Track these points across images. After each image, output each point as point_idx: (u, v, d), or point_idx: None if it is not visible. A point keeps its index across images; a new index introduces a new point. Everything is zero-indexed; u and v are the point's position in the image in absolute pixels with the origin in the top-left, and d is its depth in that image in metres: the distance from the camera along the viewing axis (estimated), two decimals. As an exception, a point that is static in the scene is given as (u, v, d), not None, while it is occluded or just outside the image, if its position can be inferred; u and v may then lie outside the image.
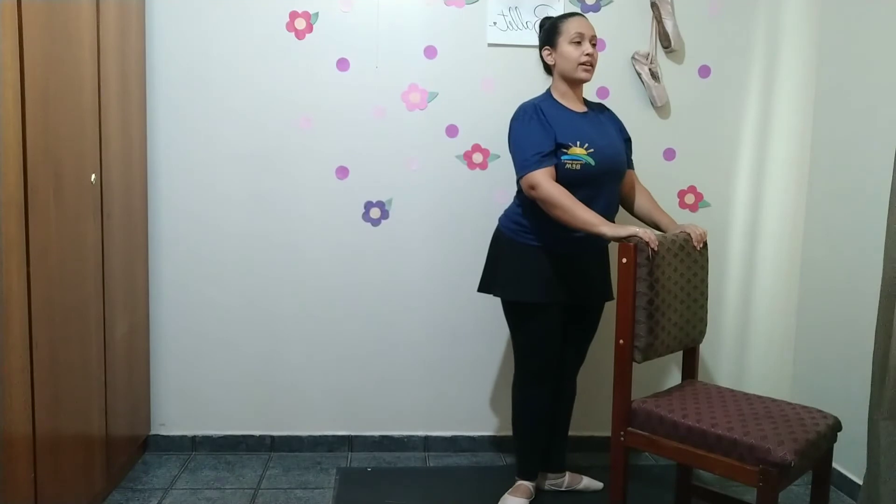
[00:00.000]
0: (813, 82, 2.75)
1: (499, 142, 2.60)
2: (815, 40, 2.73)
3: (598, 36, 2.28)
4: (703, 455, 1.87)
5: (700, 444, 1.88)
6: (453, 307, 2.79)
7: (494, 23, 2.67)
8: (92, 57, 2.14)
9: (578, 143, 2.17)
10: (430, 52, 2.68)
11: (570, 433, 2.51)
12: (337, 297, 2.77)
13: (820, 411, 2.01)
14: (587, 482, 2.53)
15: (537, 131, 2.16)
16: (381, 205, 2.74)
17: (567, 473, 2.52)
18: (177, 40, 2.62)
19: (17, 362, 1.76)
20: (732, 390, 2.17)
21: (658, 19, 2.69)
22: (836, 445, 2.01)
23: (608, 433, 2.13)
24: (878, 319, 2.09)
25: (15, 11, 1.70)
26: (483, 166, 2.73)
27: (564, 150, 2.16)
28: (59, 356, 1.97)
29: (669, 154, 2.78)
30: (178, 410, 2.78)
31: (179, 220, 2.69)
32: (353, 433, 2.84)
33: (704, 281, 2.23)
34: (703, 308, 2.24)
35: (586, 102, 2.34)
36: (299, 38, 2.65)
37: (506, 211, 2.36)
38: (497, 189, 2.68)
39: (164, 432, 2.79)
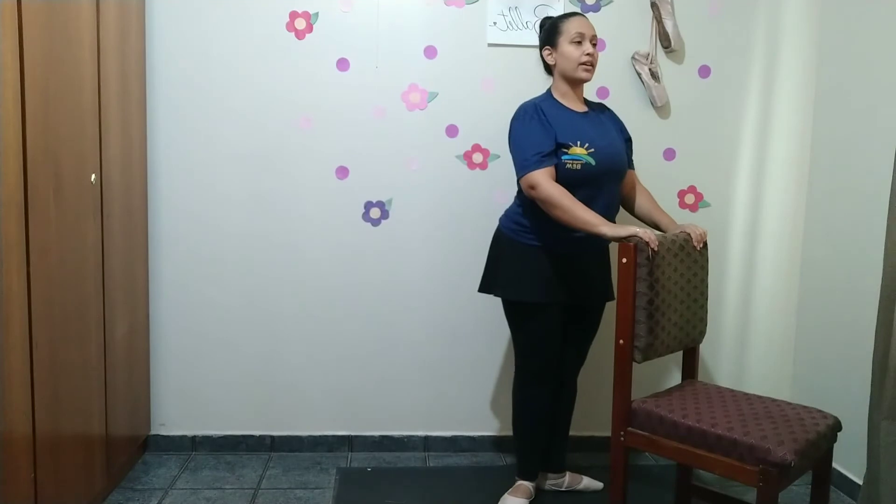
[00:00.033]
0: (813, 82, 2.75)
1: (499, 142, 2.60)
2: (815, 40, 2.73)
3: (598, 36, 2.28)
4: (703, 455, 1.87)
5: (700, 444, 1.88)
6: (453, 307, 2.79)
7: (494, 23, 2.67)
8: (92, 57, 2.14)
9: (579, 142, 2.17)
10: (430, 52, 2.68)
11: (570, 433, 2.51)
12: (337, 297, 2.77)
13: (820, 411, 2.01)
14: (587, 482, 2.53)
15: (537, 131, 2.16)
16: (381, 205, 2.74)
17: (567, 473, 2.52)
18: (177, 40, 2.62)
19: (17, 362, 1.76)
20: (732, 390, 2.17)
21: (658, 19, 2.69)
22: (836, 445, 2.01)
23: (608, 433, 2.13)
24: (878, 319, 2.09)
25: (15, 11, 1.70)
26: (483, 166, 2.73)
27: (565, 150, 2.16)
28: (59, 356, 1.97)
29: (669, 154, 2.78)
30: (178, 410, 2.78)
31: (179, 220, 2.69)
32: (353, 433, 2.84)
33: (704, 281, 2.23)
34: (703, 308, 2.24)
35: (587, 102, 2.34)
36: (299, 38, 2.65)
37: (506, 211, 2.36)
38: (497, 189, 2.68)
39: (164, 432, 2.79)
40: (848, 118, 2.56)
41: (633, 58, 2.72)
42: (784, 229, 2.83)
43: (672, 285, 2.08)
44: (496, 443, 2.86)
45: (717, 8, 2.73)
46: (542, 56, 2.30)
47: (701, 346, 2.31)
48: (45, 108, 1.86)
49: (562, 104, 2.25)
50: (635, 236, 1.99)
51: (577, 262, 2.27)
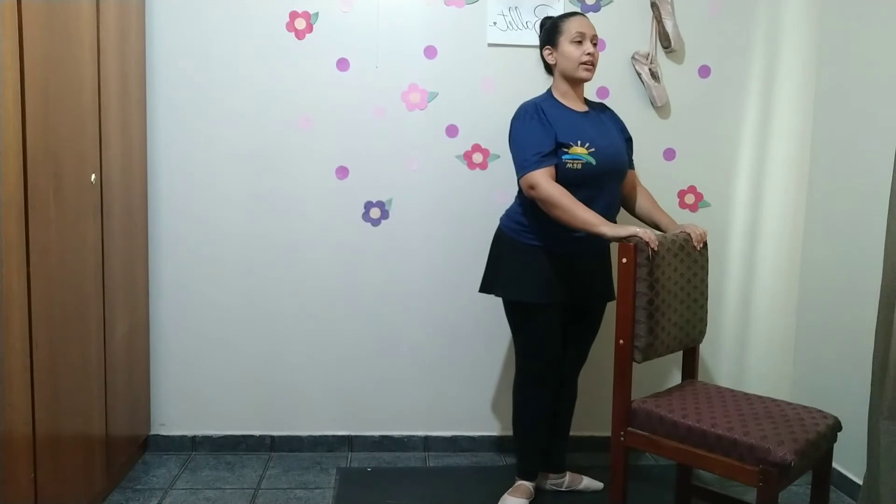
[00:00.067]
0: (813, 82, 2.75)
1: (499, 142, 2.60)
2: (815, 40, 2.73)
3: (599, 36, 2.27)
4: (703, 455, 1.87)
5: (700, 444, 1.88)
6: (453, 307, 2.79)
7: (494, 23, 2.67)
8: (92, 57, 2.14)
9: (579, 142, 2.17)
10: (430, 52, 2.68)
11: (570, 433, 2.51)
12: (337, 297, 2.77)
13: (820, 411, 2.01)
14: (587, 482, 2.53)
15: (537, 131, 2.16)
16: (381, 205, 2.74)
17: (567, 473, 2.52)
18: (177, 40, 2.62)
19: (17, 362, 1.76)
20: (732, 390, 2.17)
21: (658, 19, 2.69)
22: (836, 445, 2.01)
23: (608, 433, 2.13)
24: (878, 319, 2.09)
25: (15, 11, 1.70)
26: (483, 166, 2.73)
27: (565, 150, 2.15)
28: (59, 356, 1.97)
29: (669, 154, 2.78)
30: (178, 410, 2.78)
31: (179, 220, 2.69)
32: (353, 433, 2.84)
33: (704, 281, 2.23)
34: (703, 308, 2.24)
35: (587, 102, 2.34)
36: (299, 38, 2.65)
37: (507, 210, 2.36)
38: (497, 189, 2.68)
39: (164, 432, 2.79)
40: (848, 118, 2.56)
41: (633, 58, 2.72)
42: (784, 229, 2.83)
43: (672, 285, 2.08)
44: (496, 443, 2.86)
45: (717, 8, 2.73)
46: (542, 56, 2.30)
47: (701, 346, 2.31)
48: (45, 108, 1.86)
49: (562, 104, 2.25)
50: (635, 236, 1.99)
51: (578, 262, 2.27)
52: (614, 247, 2.11)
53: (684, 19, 2.70)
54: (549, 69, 2.32)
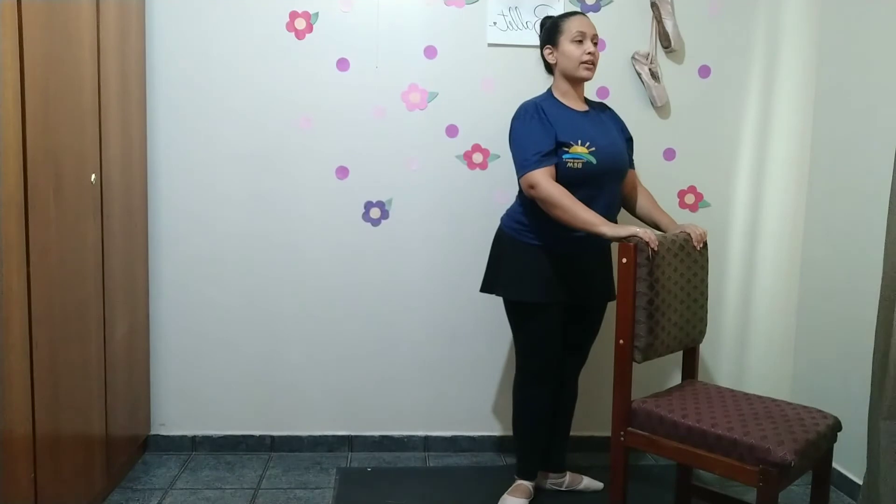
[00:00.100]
0: (813, 82, 2.75)
1: (499, 142, 2.60)
2: (815, 40, 2.73)
3: (599, 36, 2.27)
4: (703, 455, 1.87)
5: (700, 444, 1.88)
6: (453, 307, 2.79)
7: (494, 23, 2.67)
8: (92, 57, 2.14)
9: (580, 141, 2.17)
10: (430, 52, 2.68)
11: (570, 433, 2.51)
12: (337, 297, 2.77)
13: (820, 411, 2.01)
14: (587, 482, 2.53)
15: (538, 130, 2.16)
16: (381, 205, 2.74)
17: (568, 473, 2.52)
18: (177, 40, 2.62)
19: (17, 362, 1.76)
20: (732, 390, 2.17)
21: (658, 19, 2.69)
22: (836, 445, 2.01)
23: (608, 433, 2.13)
24: (878, 319, 2.09)
25: (15, 11, 1.70)
26: (483, 166, 2.73)
27: (566, 149, 2.15)
28: (59, 356, 1.97)
29: (669, 154, 2.78)
30: (178, 410, 2.78)
31: (179, 220, 2.69)
32: (353, 433, 2.84)
33: (704, 281, 2.23)
34: (703, 308, 2.24)
35: (588, 101, 2.34)
36: (299, 38, 2.65)
37: (508, 210, 2.36)
38: (497, 189, 2.68)
39: (164, 432, 2.79)
40: (848, 118, 2.56)
41: (633, 58, 2.72)
42: (784, 229, 2.83)
43: (672, 285, 2.08)
44: (496, 443, 2.86)
45: (717, 8, 2.73)
46: (542, 55, 2.30)
47: (701, 346, 2.31)
48: (45, 108, 1.86)
49: (562, 103, 2.25)
50: (635, 236, 1.99)
51: (578, 261, 2.27)
52: (614, 247, 2.11)
53: (684, 19, 2.71)
54: (549, 69, 2.32)
